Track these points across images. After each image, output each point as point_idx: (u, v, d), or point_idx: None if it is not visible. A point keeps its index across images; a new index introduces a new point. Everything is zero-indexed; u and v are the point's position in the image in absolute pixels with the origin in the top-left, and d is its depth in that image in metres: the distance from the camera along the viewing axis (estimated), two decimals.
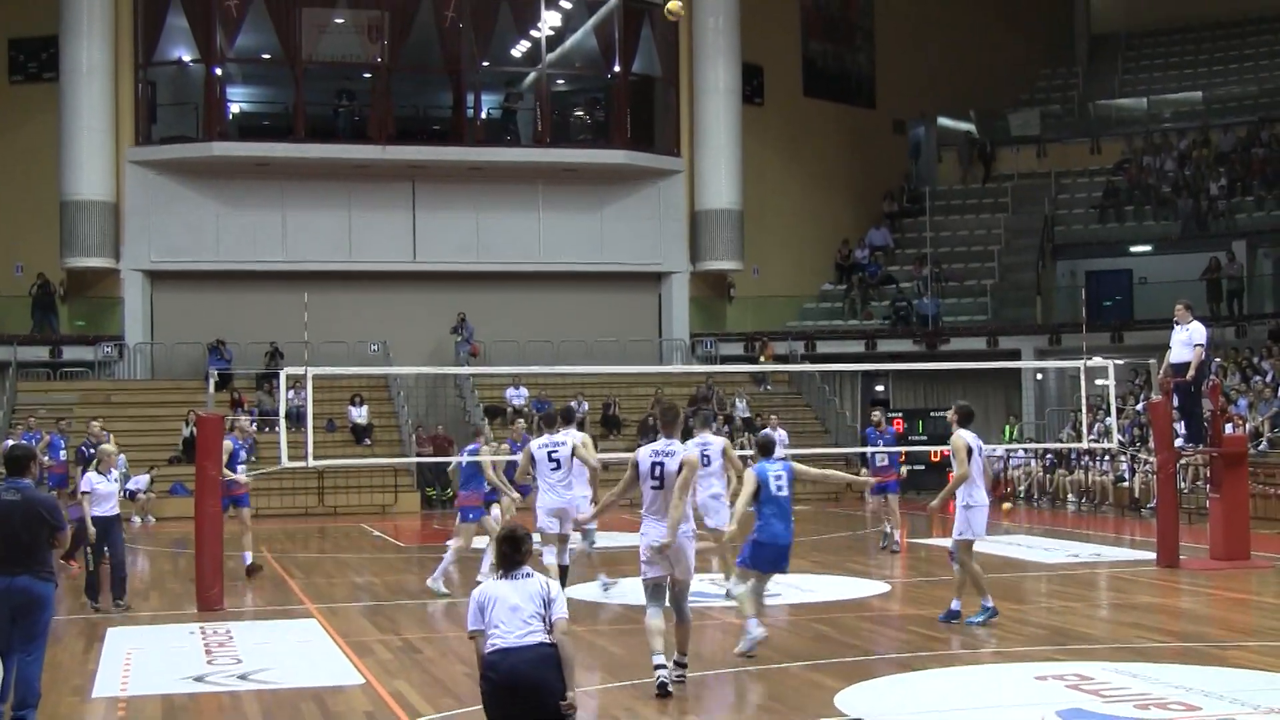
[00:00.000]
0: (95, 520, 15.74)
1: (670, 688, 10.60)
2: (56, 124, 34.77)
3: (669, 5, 16.62)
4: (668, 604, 11.03)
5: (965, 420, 14.31)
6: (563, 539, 15.56)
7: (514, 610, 7.60)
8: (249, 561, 18.96)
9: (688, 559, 10.87)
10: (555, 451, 15.33)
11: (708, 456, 14.85)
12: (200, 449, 16.66)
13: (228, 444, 18.14)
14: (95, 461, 16.57)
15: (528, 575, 7.78)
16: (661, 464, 10.81)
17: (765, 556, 12.34)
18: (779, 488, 12.27)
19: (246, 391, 33.75)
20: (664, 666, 10.68)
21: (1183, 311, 19.07)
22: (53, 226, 34.77)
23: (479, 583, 8.11)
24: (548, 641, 7.57)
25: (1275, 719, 9.83)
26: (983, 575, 14.13)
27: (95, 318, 36.21)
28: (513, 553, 7.81)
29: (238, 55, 37.03)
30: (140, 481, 28.97)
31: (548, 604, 7.66)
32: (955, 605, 14.04)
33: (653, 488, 10.83)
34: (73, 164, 34.63)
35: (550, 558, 15.07)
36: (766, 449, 12.60)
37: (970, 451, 13.97)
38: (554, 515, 15.28)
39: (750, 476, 12.31)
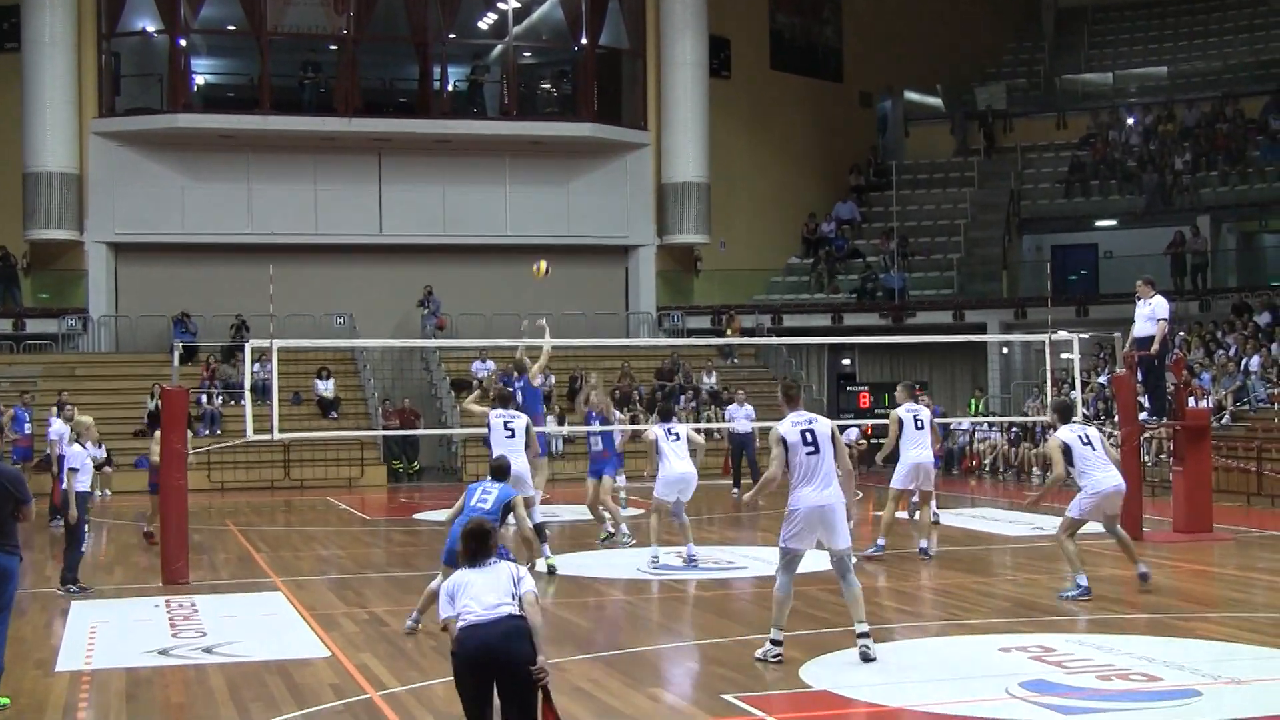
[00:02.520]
0: (77, 496, 15.50)
1: (871, 655, 10.76)
2: (19, 95, 34.47)
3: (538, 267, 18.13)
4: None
5: (1065, 416, 14.62)
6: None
7: (483, 591, 7.72)
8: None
9: (845, 526, 10.99)
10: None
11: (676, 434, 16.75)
12: (165, 422, 16.59)
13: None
14: (75, 434, 16.42)
15: (494, 563, 7.92)
16: (810, 430, 10.93)
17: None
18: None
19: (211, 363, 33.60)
20: (781, 643, 10.89)
21: (1144, 287, 19.17)
22: (15, 198, 34.51)
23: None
24: (517, 613, 7.63)
25: (1236, 689, 9.92)
26: (1076, 555, 14.11)
27: (59, 290, 35.99)
28: (479, 548, 7.98)
29: (202, 26, 36.77)
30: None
31: (516, 583, 7.78)
32: (1141, 568, 14.20)
33: (808, 454, 10.88)
34: (36, 136, 34.35)
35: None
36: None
37: (1068, 449, 14.01)
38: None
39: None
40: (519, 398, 18.70)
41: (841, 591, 11.10)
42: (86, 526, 15.69)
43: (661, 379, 35.13)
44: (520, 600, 7.70)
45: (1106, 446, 14.26)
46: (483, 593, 7.70)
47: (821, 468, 10.87)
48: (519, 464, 15.84)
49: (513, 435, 16.43)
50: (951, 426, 31.99)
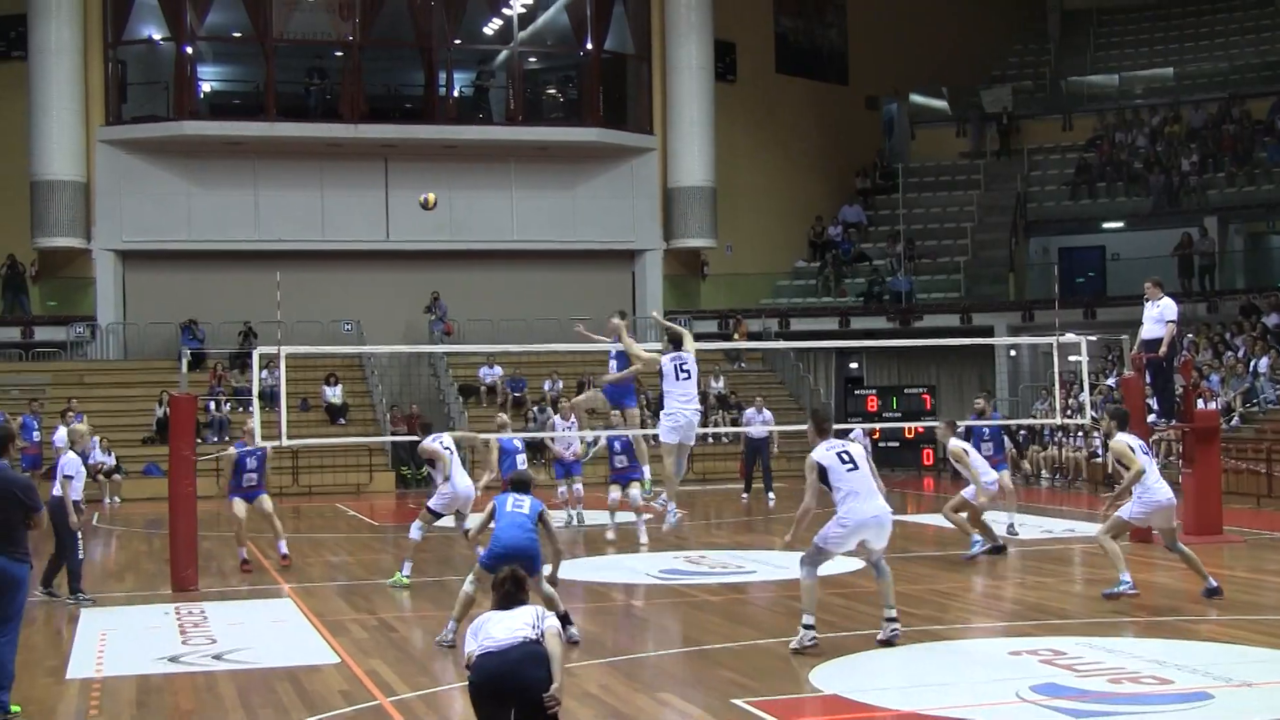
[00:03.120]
0: (74, 504, 15.40)
1: (897, 635, 11.64)
2: (26, 103, 34.55)
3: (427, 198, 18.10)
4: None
5: (1123, 424, 14.66)
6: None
7: (502, 623, 7.79)
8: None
9: (889, 530, 11.81)
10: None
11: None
12: (173, 429, 16.60)
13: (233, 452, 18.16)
14: (70, 442, 16.36)
15: (522, 604, 8.03)
16: (845, 450, 11.65)
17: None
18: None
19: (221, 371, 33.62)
20: (813, 628, 11.51)
21: (1152, 288, 19.14)
22: (23, 206, 34.58)
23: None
24: (534, 639, 7.64)
25: (1247, 692, 9.90)
26: (1120, 553, 13.99)
27: (67, 298, 36.05)
28: (516, 591, 8.07)
29: (208, 33, 36.83)
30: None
31: (539, 619, 7.83)
32: (1212, 582, 13.89)
33: (849, 470, 11.54)
34: (43, 143, 34.42)
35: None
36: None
37: (1134, 450, 14.02)
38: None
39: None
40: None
41: (876, 579, 11.94)
42: (80, 534, 15.61)
43: None
44: (542, 632, 7.72)
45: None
46: (502, 629, 7.74)
47: (866, 481, 11.61)
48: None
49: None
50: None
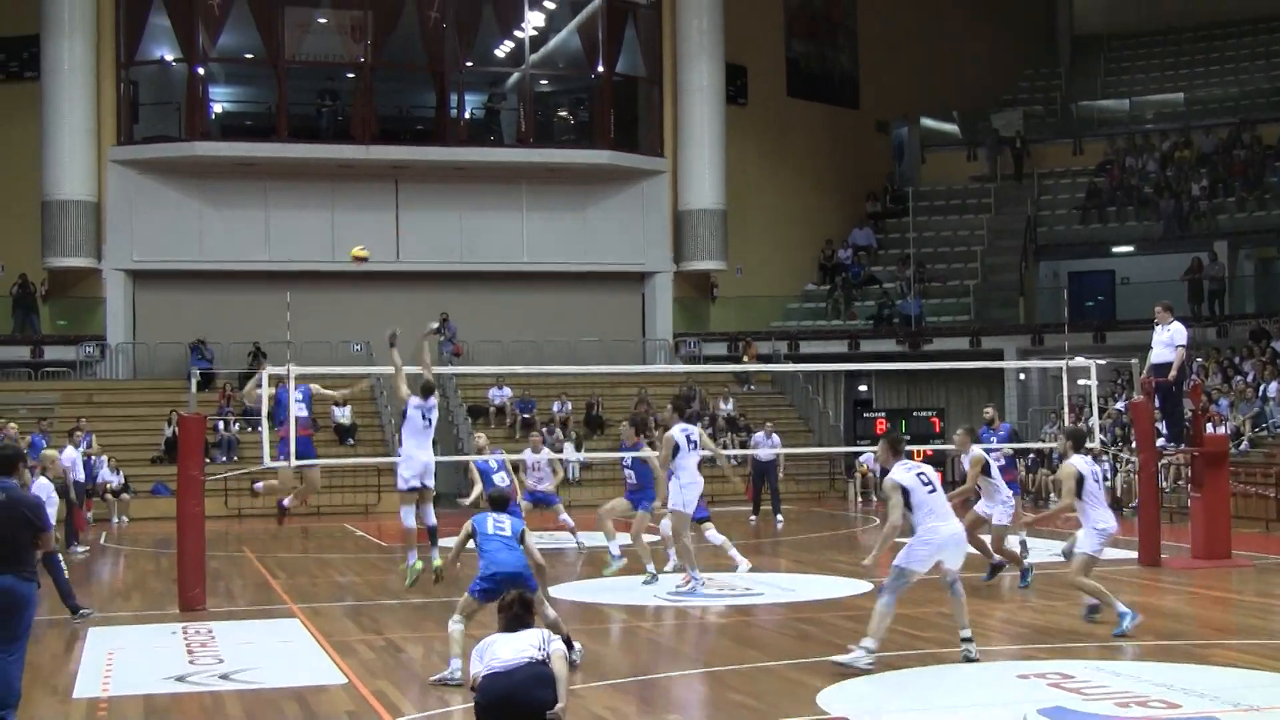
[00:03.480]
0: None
1: (974, 656, 11.82)
2: (38, 123, 34.69)
3: (356, 252, 18.19)
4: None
5: (1078, 444, 14.45)
6: None
7: (508, 644, 7.78)
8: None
9: (966, 550, 12.28)
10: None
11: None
12: (182, 449, 16.62)
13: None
14: (41, 468, 16.40)
15: (528, 627, 8.11)
16: (923, 472, 11.96)
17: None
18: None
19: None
20: (874, 653, 11.56)
21: (1162, 313, 19.14)
22: (34, 226, 34.68)
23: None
24: (540, 660, 7.63)
25: (1255, 717, 9.87)
26: (1102, 588, 13.88)
27: (77, 317, 36.13)
28: (524, 614, 8.17)
29: (220, 54, 36.97)
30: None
31: (545, 642, 7.83)
32: (1089, 601, 14.03)
33: (929, 493, 11.81)
34: (54, 163, 34.55)
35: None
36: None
37: (1081, 480, 13.81)
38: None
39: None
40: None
41: (950, 600, 12.11)
42: (75, 551, 15.62)
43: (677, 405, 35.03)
44: (548, 654, 7.72)
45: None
46: (509, 650, 7.73)
47: (944, 502, 11.92)
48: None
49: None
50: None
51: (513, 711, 7.53)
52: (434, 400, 17.07)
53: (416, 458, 16.65)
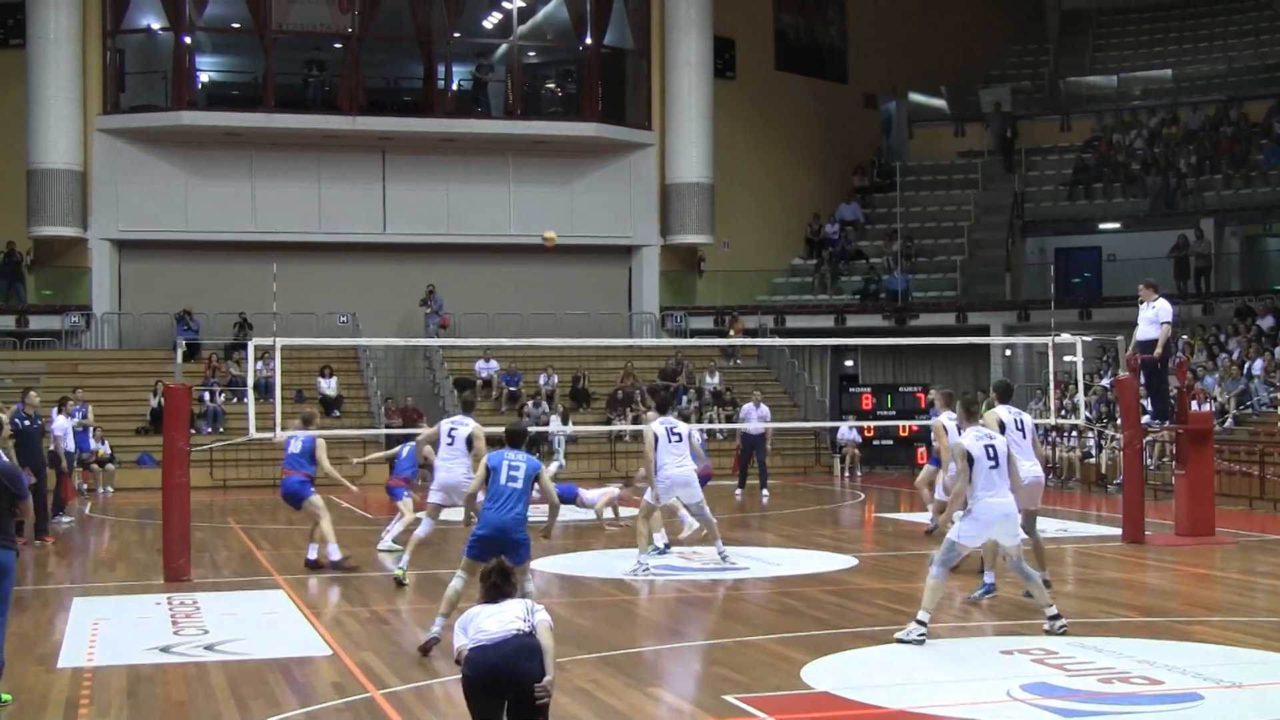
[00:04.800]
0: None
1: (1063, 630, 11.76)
2: (23, 91, 34.52)
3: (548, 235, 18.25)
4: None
5: (1003, 396, 14.30)
6: None
7: (493, 617, 7.73)
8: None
9: (1019, 528, 12.14)
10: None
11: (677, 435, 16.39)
12: (167, 419, 16.59)
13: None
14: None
15: (509, 597, 7.97)
16: (992, 445, 11.87)
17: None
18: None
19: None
20: (925, 625, 11.54)
21: (1146, 290, 19.15)
22: (19, 195, 34.55)
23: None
24: (526, 632, 7.60)
25: (1238, 693, 9.91)
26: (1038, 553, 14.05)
27: (62, 287, 36.01)
28: (503, 584, 8.00)
29: (207, 24, 36.84)
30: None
31: (532, 612, 7.79)
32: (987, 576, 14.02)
33: (990, 468, 11.76)
34: (40, 132, 34.39)
35: None
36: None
37: (1003, 426, 13.54)
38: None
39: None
40: None
41: (1026, 585, 12.22)
42: (62, 520, 15.57)
43: (664, 379, 35.12)
44: (534, 626, 7.70)
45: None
46: (493, 622, 7.69)
47: (1005, 478, 11.83)
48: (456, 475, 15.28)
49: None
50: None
51: (501, 684, 7.52)
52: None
53: (439, 476, 16.03)
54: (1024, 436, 13.82)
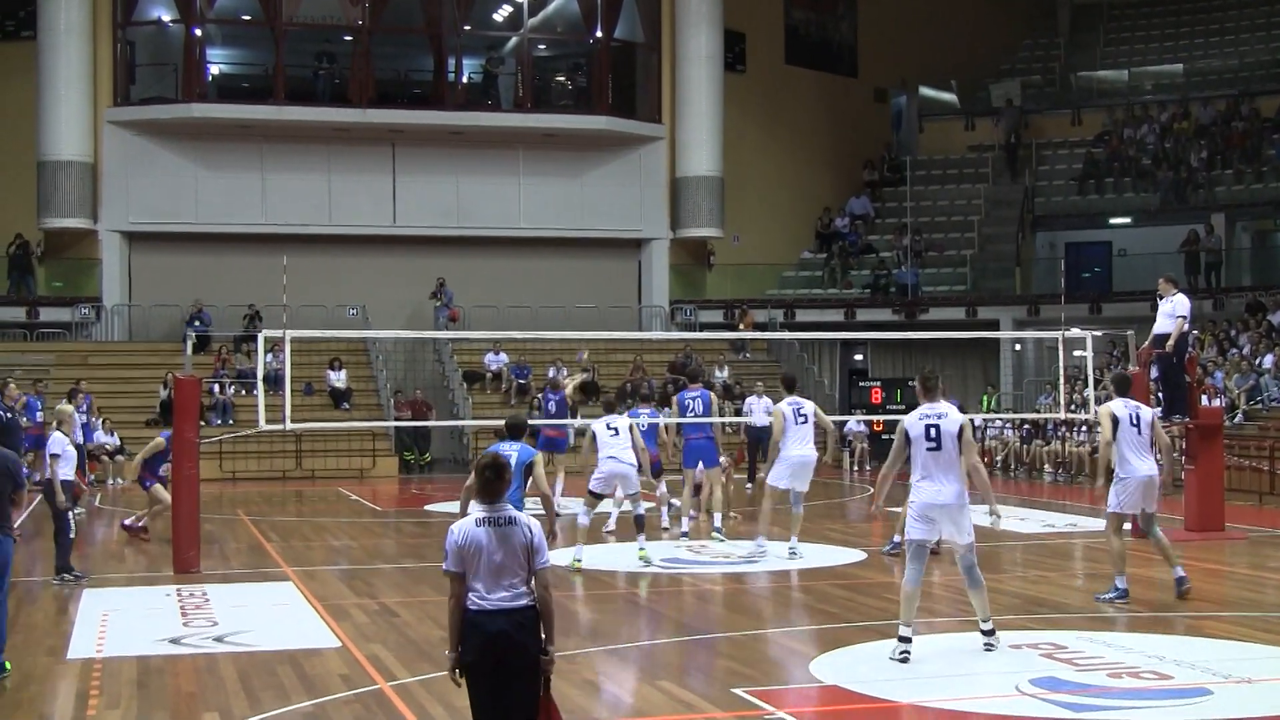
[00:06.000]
0: (63, 485, 15.32)
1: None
2: (34, 84, 34.56)
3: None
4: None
5: (1121, 388, 14.01)
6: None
7: (496, 567, 7.27)
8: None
9: (967, 520, 10.91)
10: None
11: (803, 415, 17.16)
12: (177, 411, 16.61)
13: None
14: (56, 422, 16.34)
15: (510, 521, 7.30)
16: (936, 425, 10.79)
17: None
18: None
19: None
20: (909, 640, 10.69)
21: (1165, 284, 19.11)
22: (30, 187, 34.59)
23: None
24: (530, 604, 7.34)
25: (1247, 688, 9.90)
26: (1123, 554, 13.55)
27: (72, 279, 36.08)
28: (496, 480, 7.41)
29: (218, 16, 36.88)
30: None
31: (532, 554, 7.33)
32: (1176, 571, 13.57)
33: (929, 449, 10.78)
34: (50, 124, 34.43)
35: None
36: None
37: (1117, 422, 13.41)
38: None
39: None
40: (551, 408, 20.96)
41: (969, 586, 11.14)
42: (72, 515, 15.48)
43: (674, 373, 35.06)
44: (533, 580, 7.30)
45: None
46: (493, 570, 7.26)
47: (943, 463, 10.78)
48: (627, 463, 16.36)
49: (616, 433, 16.60)
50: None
51: (502, 659, 7.27)
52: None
53: (603, 465, 16.70)
54: (1139, 433, 13.43)
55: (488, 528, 7.25)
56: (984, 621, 11.05)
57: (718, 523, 18.64)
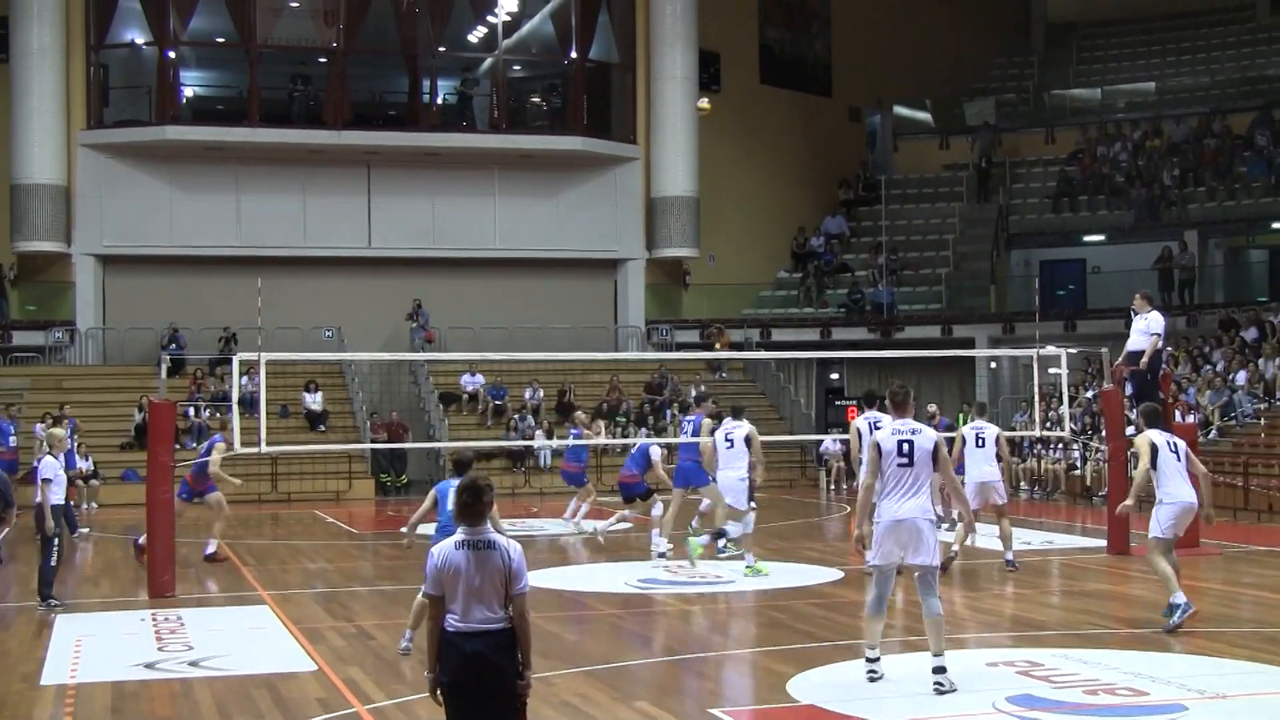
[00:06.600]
0: (52, 509, 15.26)
1: (945, 689, 10.19)
2: (7, 106, 34.44)
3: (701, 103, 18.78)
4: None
5: (1151, 420, 13.80)
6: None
7: (474, 590, 7.29)
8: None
9: (929, 542, 10.43)
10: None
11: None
12: (152, 435, 16.53)
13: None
14: (48, 446, 16.22)
15: (490, 545, 7.28)
16: (910, 441, 10.45)
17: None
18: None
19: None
20: (877, 660, 10.53)
21: (1140, 301, 19.22)
22: (2, 210, 34.49)
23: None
24: (506, 627, 7.34)
25: (1222, 704, 9.92)
26: (1172, 574, 13.09)
27: (46, 302, 35.92)
28: (474, 503, 7.40)
29: (191, 38, 36.78)
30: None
31: (510, 579, 7.34)
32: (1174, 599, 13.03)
33: (900, 465, 10.42)
34: (23, 147, 34.32)
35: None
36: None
37: (1156, 450, 13.18)
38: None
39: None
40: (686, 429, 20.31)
41: (925, 616, 10.51)
42: (57, 540, 15.31)
43: (650, 393, 35.13)
44: (510, 604, 7.31)
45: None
46: (471, 593, 7.29)
47: (913, 480, 10.43)
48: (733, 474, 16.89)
49: (731, 445, 17.03)
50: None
51: (478, 682, 7.29)
52: (733, 422, 17.44)
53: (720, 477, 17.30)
54: (1178, 459, 13.26)
55: (467, 550, 7.26)
56: (936, 656, 10.34)
57: (734, 532, 18.75)
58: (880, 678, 10.52)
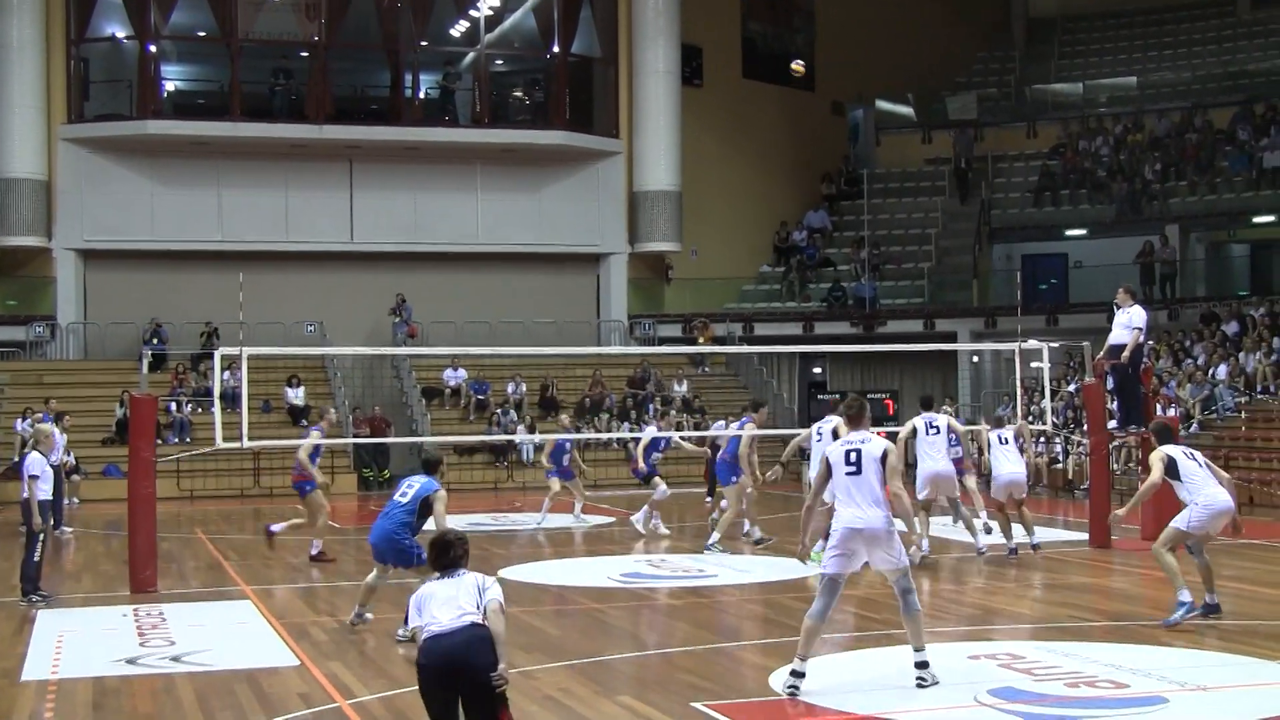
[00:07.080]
0: (39, 505, 15.16)
1: (799, 695, 10.07)
2: None
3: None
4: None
5: (1163, 438, 13.67)
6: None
7: (448, 601, 7.75)
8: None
9: (894, 544, 10.43)
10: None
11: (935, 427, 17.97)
12: (133, 430, 16.50)
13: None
14: (34, 442, 16.15)
15: (462, 574, 7.98)
16: (857, 450, 10.43)
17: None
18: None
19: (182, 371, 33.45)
20: (801, 675, 10.14)
21: (1123, 295, 19.29)
22: None
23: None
24: (479, 622, 7.63)
25: (1202, 696, 9.96)
26: (1178, 570, 12.96)
27: (27, 297, 35.79)
28: (440, 557, 8.06)
29: (172, 32, 36.66)
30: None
31: (481, 592, 7.80)
32: (1209, 599, 13.15)
33: (849, 474, 10.40)
34: (3, 141, 34.18)
35: None
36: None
37: (1175, 464, 13.05)
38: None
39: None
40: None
41: (903, 613, 10.52)
42: (42, 536, 15.26)
43: (633, 387, 35.14)
44: (484, 609, 7.71)
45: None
46: (446, 604, 7.73)
47: (863, 488, 10.36)
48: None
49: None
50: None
51: (455, 674, 7.57)
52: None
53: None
54: (1200, 465, 13.13)
55: (443, 578, 8.00)
56: (917, 651, 10.37)
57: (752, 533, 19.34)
58: (798, 692, 10.11)
